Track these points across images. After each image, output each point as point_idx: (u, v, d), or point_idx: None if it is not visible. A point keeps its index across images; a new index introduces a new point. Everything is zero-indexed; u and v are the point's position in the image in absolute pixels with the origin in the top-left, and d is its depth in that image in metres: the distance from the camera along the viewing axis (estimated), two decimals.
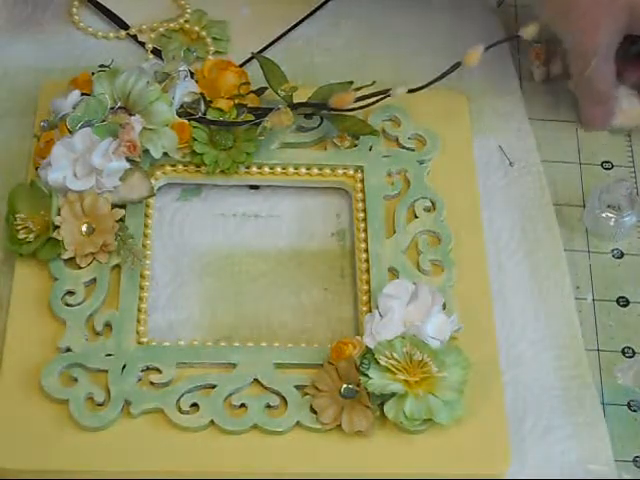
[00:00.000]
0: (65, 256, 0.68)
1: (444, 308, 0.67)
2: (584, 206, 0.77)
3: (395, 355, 0.64)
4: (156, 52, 0.81)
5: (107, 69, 0.74)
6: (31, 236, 0.69)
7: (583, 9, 0.76)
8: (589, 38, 0.76)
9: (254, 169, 0.74)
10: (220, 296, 0.71)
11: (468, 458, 0.64)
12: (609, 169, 0.79)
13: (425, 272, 0.70)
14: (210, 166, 0.73)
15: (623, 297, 0.74)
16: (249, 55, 0.79)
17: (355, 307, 0.71)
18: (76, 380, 0.65)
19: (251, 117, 0.74)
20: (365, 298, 0.70)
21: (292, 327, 0.70)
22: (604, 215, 0.75)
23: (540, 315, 0.72)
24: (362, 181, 0.74)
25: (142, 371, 0.66)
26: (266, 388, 0.66)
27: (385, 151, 0.75)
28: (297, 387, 0.66)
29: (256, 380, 0.66)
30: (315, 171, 0.75)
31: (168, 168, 0.74)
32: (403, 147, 0.75)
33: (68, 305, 0.68)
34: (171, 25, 0.82)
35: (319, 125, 0.75)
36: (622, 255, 0.76)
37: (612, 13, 0.76)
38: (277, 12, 0.84)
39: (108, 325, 0.67)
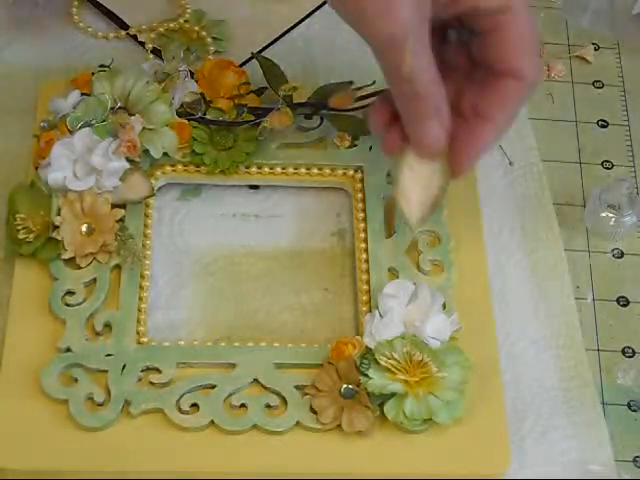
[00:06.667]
0: (65, 256, 0.68)
1: (444, 308, 0.67)
2: (584, 206, 0.77)
3: (395, 355, 0.64)
4: (156, 52, 0.81)
5: (107, 69, 0.74)
6: (31, 236, 0.69)
7: None
8: (393, 14, 0.58)
9: (254, 169, 0.74)
10: (220, 296, 0.71)
11: (468, 458, 0.64)
12: (609, 169, 0.79)
13: (425, 272, 0.70)
14: (210, 166, 0.73)
15: (623, 297, 0.74)
16: (249, 55, 0.79)
17: (355, 307, 0.71)
18: (76, 380, 0.65)
19: (251, 117, 0.74)
20: (365, 298, 0.70)
21: (292, 327, 0.70)
22: (604, 215, 0.75)
23: (540, 315, 0.72)
24: (362, 181, 0.74)
25: (142, 371, 0.66)
26: (266, 388, 0.66)
27: None
28: (297, 387, 0.65)
29: (256, 380, 0.66)
30: (315, 171, 0.75)
31: (168, 168, 0.74)
32: None
33: (68, 305, 0.67)
34: (171, 25, 0.82)
35: (319, 125, 0.75)
36: (622, 255, 0.76)
37: None
38: (277, 12, 0.84)
39: (108, 325, 0.67)
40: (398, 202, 0.67)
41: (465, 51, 0.66)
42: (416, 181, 0.66)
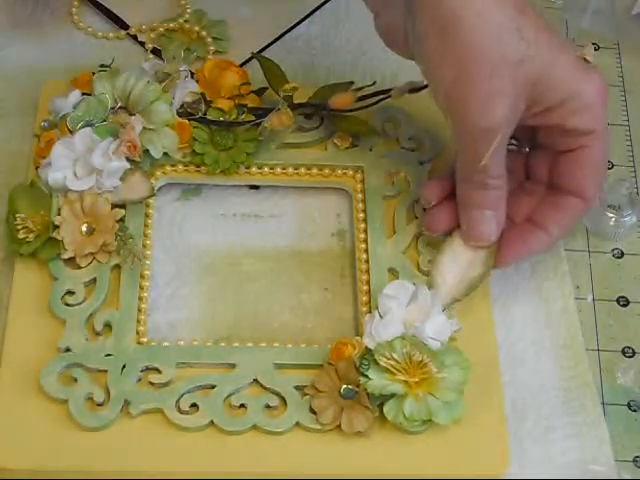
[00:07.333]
0: (65, 256, 0.68)
1: (444, 309, 0.67)
2: None
3: (395, 356, 0.64)
4: (156, 52, 0.81)
5: (107, 69, 0.74)
6: (31, 236, 0.69)
7: (485, 71, 0.61)
8: (492, 111, 0.62)
9: (254, 169, 0.74)
10: (220, 296, 0.71)
11: (467, 459, 0.64)
12: (609, 169, 0.79)
13: (425, 273, 0.70)
14: (210, 166, 0.73)
15: (623, 297, 0.74)
16: (249, 55, 0.79)
17: (355, 307, 0.71)
18: (76, 380, 0.65)
19: (251, 117, 0.74)
20: (365, 298, 0.70)
21: (292, 327, 0.70)
22: (604, 215, 0.75)
23: (540, 315, 0.72)
24: (362, 181, 0.74)
25: (142, 371, 0.66)
26: (266, 388, 0.66)
27: (385, 151, 0.75)
28: (297, 387, 0.65)
29: (256, 380, 0.66)
30: (315, 171, 0.75)
31: (168, 168, 0.74)
32: (403, 147, 0.75)
33: (68, 305, 0.67)
34: (171, 25, 0.82)
35: (319, 125, 0.76)
36: (622, 255, 0.76)
37: (516, 81, 0.62)
38: (277, 12, 0.84)
39: (108, 325, 0.67)
40: (433, 278, 0.68)
41: (521, 161, 0.70)
42: (456, 264, 0.68)
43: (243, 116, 0.74)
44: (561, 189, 0.68)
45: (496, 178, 0.66)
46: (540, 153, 0.69)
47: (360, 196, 0.74)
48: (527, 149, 0.70)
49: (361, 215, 0.73)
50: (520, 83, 0.63)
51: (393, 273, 0.70)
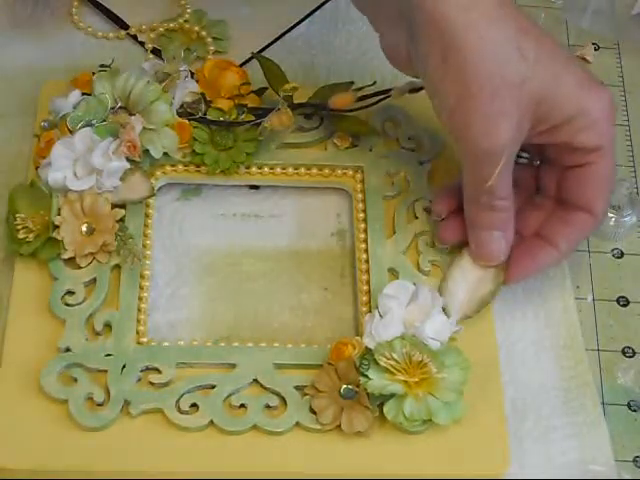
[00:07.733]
0: (65, 256, 0.68)
1: (444, 309, 0.67)
2: None
3: (394, 356, 0.64)
4: (156, 52, 0.81)
5: (107, 69, 0.74)
6: (31, 236, 0.69)
7: (486, 92, 0.61)
8: (495, 132, 0.62)
9: (254, 169, 0.74)
10: (220, 296, 0.71)
11: (467, 459, 0.64)
12: None
13: (425, 273, 0.70)
14: (210, 166, 0.73)
15: (623, 297, 0.74)
16: (249, 55, 0.79)
17: (355, 307, 0.71)
18: (76, 380, 0.65)
19: (251, 117, 0.74)
20: (365, 298, 0.70)
21: (292, 327, 0.70)
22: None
23: (540, 315, 0.72)
24: (362, 181, 0.74)
25: (142, 371, 0.66)
26: (266, 388, 0.66)
27: (385, 151, 0.75)
28: (297, 387, 0.65)
29: (256, 380, 0.66)
30: (315, 171, 0.75)
31: (168, 168, 0.74)
32: (403, 147, 0.75)
33: (68, 305, 0.67)
34: (171, 25, 0.82)
35: (319, 125, 0.76)
36: (622, 255, 0.76)
37: (519, 101, 0.62)
38: (277, 12, 0.84)
39: (108, 325, 0.67)
40: (442, 294, 0.68)
41: (531, 174, 0.70)
42: (465, 282, 0.69)
43: (243, 116, 0.74)
44: (570, 204, 0.68)
45: (503, 199, 0.66)
46: (548, 168, 0.69)
47: (360, 196, 0.74)
48: (538, 162, 0.70)
49: (361, 215, 0.73)
50: (524, 103, 0.63)
51: (393, 273, 0.70)
